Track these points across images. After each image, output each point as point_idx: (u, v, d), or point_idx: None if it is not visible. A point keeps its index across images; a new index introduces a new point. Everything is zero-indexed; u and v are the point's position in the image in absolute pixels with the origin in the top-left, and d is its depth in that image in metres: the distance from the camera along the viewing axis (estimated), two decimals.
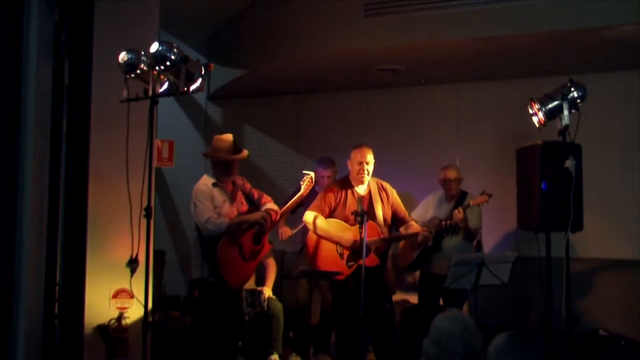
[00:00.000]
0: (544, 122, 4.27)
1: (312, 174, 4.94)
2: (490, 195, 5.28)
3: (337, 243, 4.90)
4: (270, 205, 4.98)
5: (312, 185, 4.93)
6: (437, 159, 6.43)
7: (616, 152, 6.12)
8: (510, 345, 2.62)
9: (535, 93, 4.37)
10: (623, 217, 6.06)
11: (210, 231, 4.58)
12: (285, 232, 6.05)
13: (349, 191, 4.99)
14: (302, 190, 4.88)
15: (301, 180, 4.92)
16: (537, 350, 2.61)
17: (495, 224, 6.07)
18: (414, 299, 6.21)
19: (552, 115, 4.24)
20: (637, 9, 4.84)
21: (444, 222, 5.30)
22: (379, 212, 4.95)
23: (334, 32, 5.90)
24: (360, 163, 4.94)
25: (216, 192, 4.70)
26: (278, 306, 5.84)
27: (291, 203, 4.96)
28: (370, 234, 4.76)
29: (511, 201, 4.90)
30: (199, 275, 4.73)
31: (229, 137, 4.86)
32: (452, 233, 5.29)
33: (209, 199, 4.64)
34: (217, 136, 4.91)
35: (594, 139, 5.35)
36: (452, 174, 5.67)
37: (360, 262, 4.59)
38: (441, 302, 5.58)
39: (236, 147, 4.84)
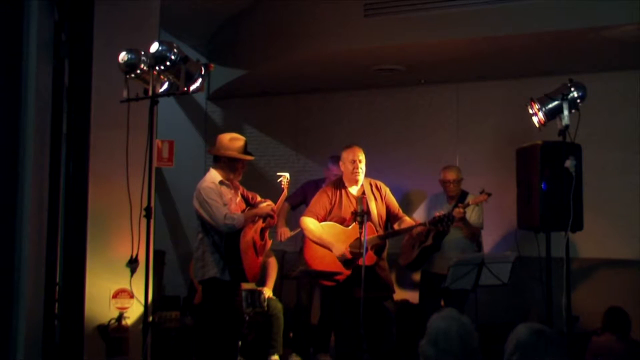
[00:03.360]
0: (544, 122, 4.27)
1: (286, 174, 4.96)
2: (489, 195, 5.27)
3: (329, 250, 4.89)
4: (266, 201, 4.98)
5: (288, 184, 4.95)
6: (437, 159, 6.43)
7: (616, 152, 6.11)
8: (535, 341, 2.58)
9: (535, 93, 4.37)
10: (623, 217, 6.05)
11: (230, 226, 4.53)
12: (284, 233, 6.05)
13: (343, 192, 5.00)
14: (285, 191, 4.92)
15: (278, 181, 4.94)
16: (562, 347, 2.57)
17: (495, 224, 6.06)
18: (414, 299, 6.21)
19: (552, 115, 4.24)
20: (637, 9, 4.84)
21: (437, 213, 5.00)
22: (374, 210, 4.96)
23: (334, 32, 5.90)
24: (354, 161, 4.95)
25: (223, 190, 4.69)
26: (278, 306, 5.84)
27: (278, 204, 4.95)
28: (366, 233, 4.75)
29: (511, 201, 4.89)
30: (203, 276, 4.66)
31: (242, 137, 4.82)
32: (446, 223, 5.04)
33: (220, 196, 4.62)
34: (229, 135, 4.80)
35: (594, 139, 5.34)
36: (451, 175, 5.67)
37: (359, 262, 4.59)
38: (442, 302, 5.58)
39: (247, 149, 4.82)
